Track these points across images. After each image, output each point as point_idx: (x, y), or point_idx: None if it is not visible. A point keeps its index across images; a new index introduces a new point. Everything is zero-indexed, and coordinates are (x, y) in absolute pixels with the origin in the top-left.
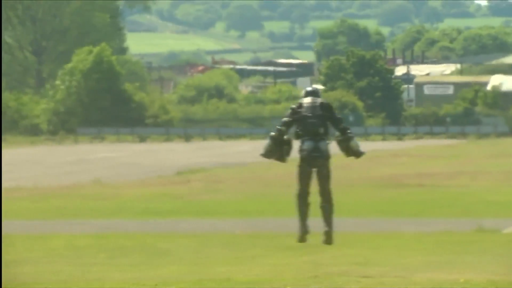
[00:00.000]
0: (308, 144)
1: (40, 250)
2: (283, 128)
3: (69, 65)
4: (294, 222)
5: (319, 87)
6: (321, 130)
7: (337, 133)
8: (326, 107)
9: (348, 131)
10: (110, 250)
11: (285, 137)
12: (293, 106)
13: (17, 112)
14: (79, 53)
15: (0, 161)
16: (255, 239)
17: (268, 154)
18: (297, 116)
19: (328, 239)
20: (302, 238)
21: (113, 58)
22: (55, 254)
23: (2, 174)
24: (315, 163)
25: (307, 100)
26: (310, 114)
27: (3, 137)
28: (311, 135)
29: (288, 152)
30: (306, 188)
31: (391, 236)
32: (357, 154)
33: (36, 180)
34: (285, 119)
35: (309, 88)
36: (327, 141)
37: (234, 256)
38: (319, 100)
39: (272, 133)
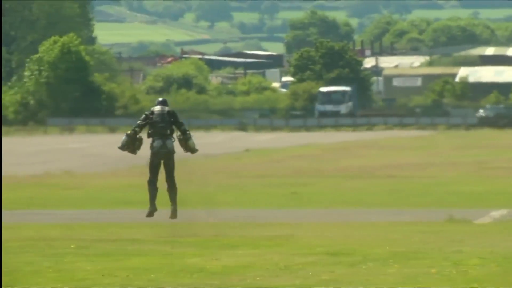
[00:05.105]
0: (157, 142)
1: (11, 240)
2: (137, 129)
3: (36, 56)
4: (265, 213)
5: (289, 79)
6: (168, 131)
7: (179, 133)
8: (172, 114)
9: (188, 131)
10: (81, 240)
11: (138, 135)
12: (147, 112)
13: None
14: (45, 43)
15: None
16: (225, 229)
17: (123, 147)
18: (149, 120)
19: (173, 214)
20: (151, 214)
21: (81, 48)
22: (26, 244)
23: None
24: (162, 156)
25: (157, 108)
26: (160, 120)
27: None
28: (160, 135)
29: (139, 147)
30: (155, 176)
31: (361, 227)
32: (193, 151)
33: (6, 170)
34: (139, 122)
35: (160, 99)
36: (173, 140)
37: (206, 246)
38: (166, 108)
39: (128, 132)
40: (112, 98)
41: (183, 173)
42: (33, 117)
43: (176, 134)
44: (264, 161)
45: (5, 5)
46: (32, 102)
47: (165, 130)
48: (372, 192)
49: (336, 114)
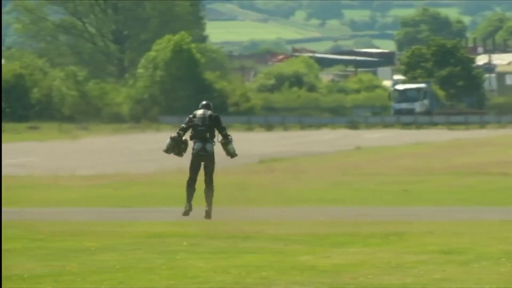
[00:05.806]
0: (197, 145)
1: (123, 237)
2: (181, 132)
3: (151, 54)
4: (376, 210)
5: (400, 77)
6: (207, 135)
7: (221, 137)
8: (213, 118)
9: (229, 136)
10: (193, 238)
11: (183, 138)
12: (190, 115)
13: (100, 100)
14: (158, 42)
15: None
16: (336, 227)
17: (168, 150)
18: (191, 124)
19: (208, 215)
20: (187, 213)
21: (193, 46)
22: (140, 241)
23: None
24: (202, 159)
25: (200, 112)
26: (200, 123)
27: (87, 125)
28: (200, 138)
29: (185, 149)
30: (194, 177)
31: (473, 225)
32: (233, 155)
33: (119, 167)
34: (183, 125)
35: (203, 102)
36: (213, 143)
37: (317, 244)
38: (208, 112)
39: (173, 135)
40: (224, 96)
41: (294, 172)
42: (146, 114)
43: (218, 138)
44: (375, 159)
45: (118, 4)
46: (146, 98)
47: (205, 133)
48: (484, 190)
49: (411, 112)
